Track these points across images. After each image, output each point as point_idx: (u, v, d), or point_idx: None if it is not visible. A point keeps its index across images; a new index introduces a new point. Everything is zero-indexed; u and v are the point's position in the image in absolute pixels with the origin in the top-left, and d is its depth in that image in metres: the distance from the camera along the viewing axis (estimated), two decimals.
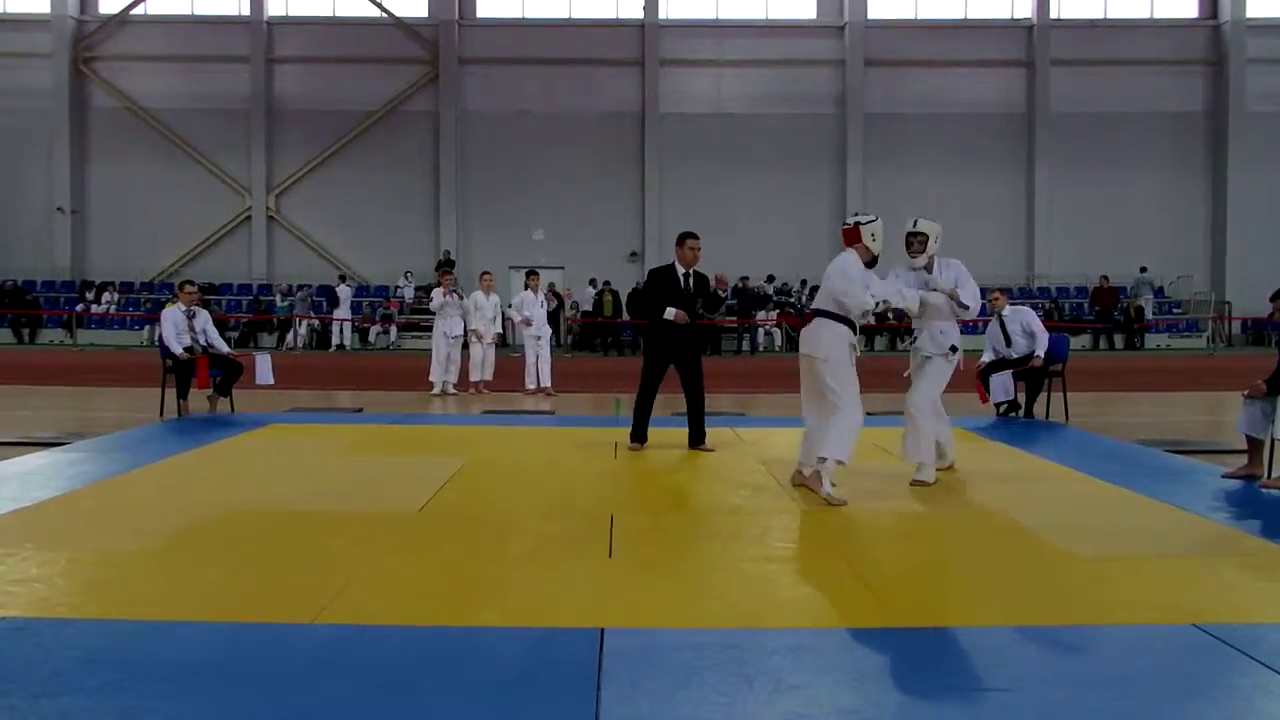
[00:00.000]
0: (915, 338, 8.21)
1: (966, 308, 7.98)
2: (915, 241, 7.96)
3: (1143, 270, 32.48)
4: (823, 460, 7.26)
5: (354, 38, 33.70)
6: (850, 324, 7.49)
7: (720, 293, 9.96)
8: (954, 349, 8.02)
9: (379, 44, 33.73)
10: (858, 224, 7.66)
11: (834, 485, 7.19)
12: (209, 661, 4.01)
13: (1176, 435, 11.05)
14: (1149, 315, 32.22)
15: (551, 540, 6.12)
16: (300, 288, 32.01)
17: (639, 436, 9.77)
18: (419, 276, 32.72)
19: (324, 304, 32.20)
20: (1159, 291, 33.32)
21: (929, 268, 8.03)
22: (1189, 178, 33.82)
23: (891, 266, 8.25)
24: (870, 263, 7.57)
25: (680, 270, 9.69)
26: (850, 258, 7.53)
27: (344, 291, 31.04)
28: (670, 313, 9.51)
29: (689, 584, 5.24)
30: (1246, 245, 32.86)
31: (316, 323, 31.52)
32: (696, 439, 9.75)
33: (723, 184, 32.84)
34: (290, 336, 31.10)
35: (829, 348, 7.47)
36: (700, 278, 9.79)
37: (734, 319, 30.85)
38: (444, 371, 15.88)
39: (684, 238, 9.78)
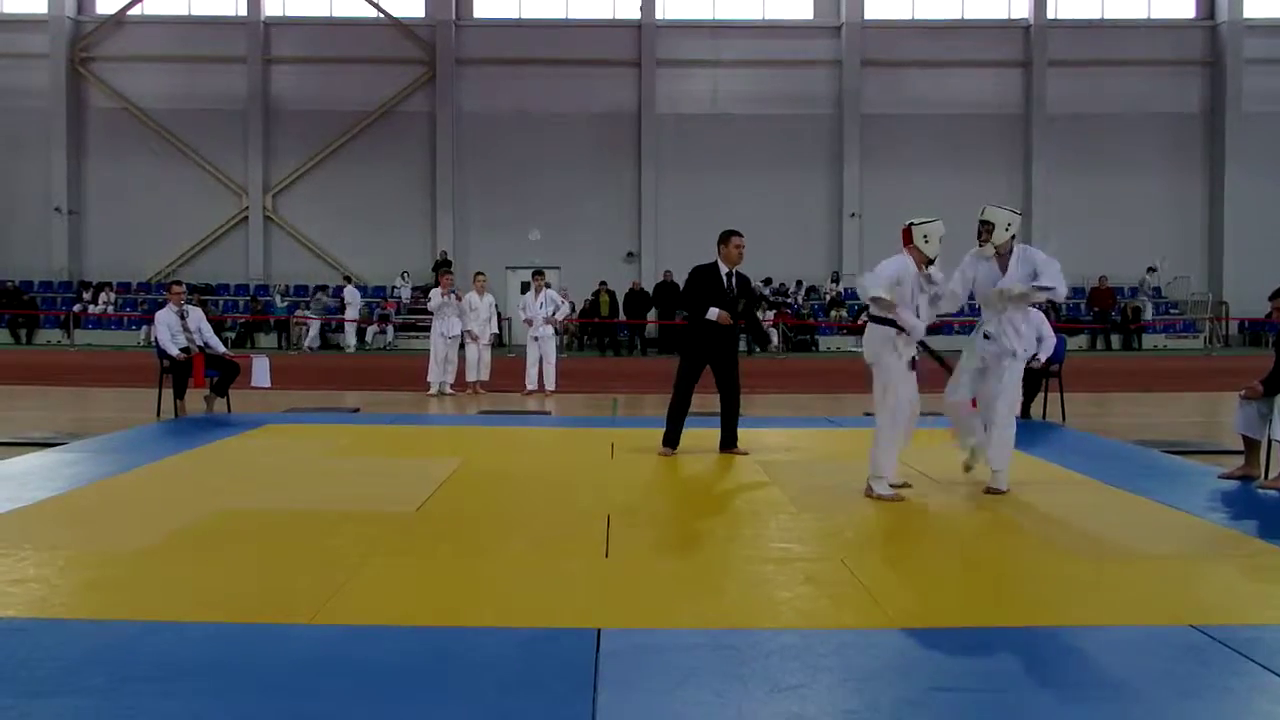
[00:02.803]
0: (986, 332, 7.58)
1: (1049, 289, 7.36)
2: (983, 230, 7.56)
3: (1150, 270, 32.53)
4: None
5: (351, 38, 33.66)
6: (894, 324, 7.34)
7: (760, 295, 9.82)
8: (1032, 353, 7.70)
9: (376, 44, 33.69)
10: (911, 225, 7.46)
11: (887, 484, 7.40)
12: (206, 661, 4.01)
13: (1173, 436, 11.06)
14: (1149, 315, 32.23)
15: (548, 540, 6.12)
16: (318, 289, 32.08)
17: (672, 441, 9.53)
18: (415, 277, 32.72)
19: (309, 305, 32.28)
20: (1155, 291, 33.35)
21: (1004, 257, 7.51)
22: (1186, 178, 33.80)
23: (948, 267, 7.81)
24: (927, 264, 7.42)
25: (724, 269, 9.49)
26: (895, 259, 7.41)
27: (350, 293, 31.04)
28: (713, 313, 9.33)
29: (685, 584, 5.24)
30: (1244, 246, 32.85)
31: (318, 324, 31.48)
32: (729, 442, 9.57)
33: (719, 184, 32.77)
34: (303, 336, 31.12)
35: (869, 347, 7.51)
36: (742, 278, 9.64)
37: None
38: (441, 372, 15.87)
39: (728, 235, 9.54)
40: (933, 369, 7.67)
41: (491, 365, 16.48)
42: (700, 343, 9.51)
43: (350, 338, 30.80)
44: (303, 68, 33.85)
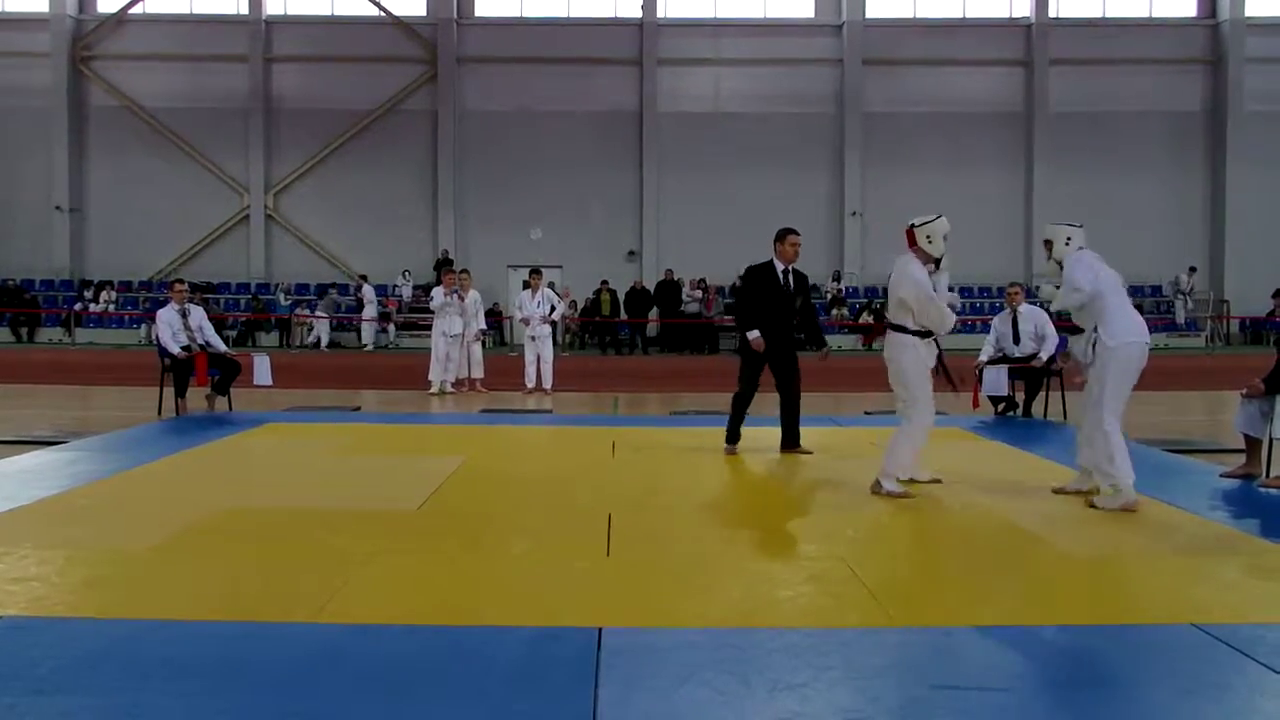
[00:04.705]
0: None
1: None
2: (1045, 247, 7.44)
3: (1191, 269, 32.65)
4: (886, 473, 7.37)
5: (352, 37, 33.66)
6: (916, 331, 7.29)
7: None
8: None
9: (377, 43, 33.69)
10: (912, 226, 7.36)
11: (896, 481, 7.33)
12: (208, 660, 4.01)
13: (1175, 434, 11.05)
14: (1180, 316, 32.23)
15: (550, 539, 6.12)
16: (328, 288, 32.21)
17: (733, 438, 9.50)
18: (417, 275, 32.73)
19: (315, 304, 32.38)
20: (1156, 290, 33.32)
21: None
22: (1187, 177, 33.80)
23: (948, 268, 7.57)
24: (935, 265, 7.32)
25: (779, 267, 9.46)
26: (910, 262, 7.31)
27: (368, 292, 31.09)
28: (753, 335, 9.35)
29: (687, 583, 5.23)
30: (1245, 245, 32.86)
31: (315, 324, 31.53)
32: (791, 441, 9.49)
33: (720, 183, 32.81)
34: (306, 334, 31.14)
35: (889, 350, 7.44)
36: (799, 275, 9.57)
37: (731, 318, 30.85)
38: (443, 371, 15.87)
39: (784, 234, 9.52)
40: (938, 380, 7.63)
41: (484, 363, 16.50)
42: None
43: (368, 336, 30.86)
44: (304, 66, 33.87)
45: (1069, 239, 7.34)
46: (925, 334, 7.37)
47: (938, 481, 7.54)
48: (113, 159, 33.59)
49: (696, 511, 7.18)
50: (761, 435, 10.18)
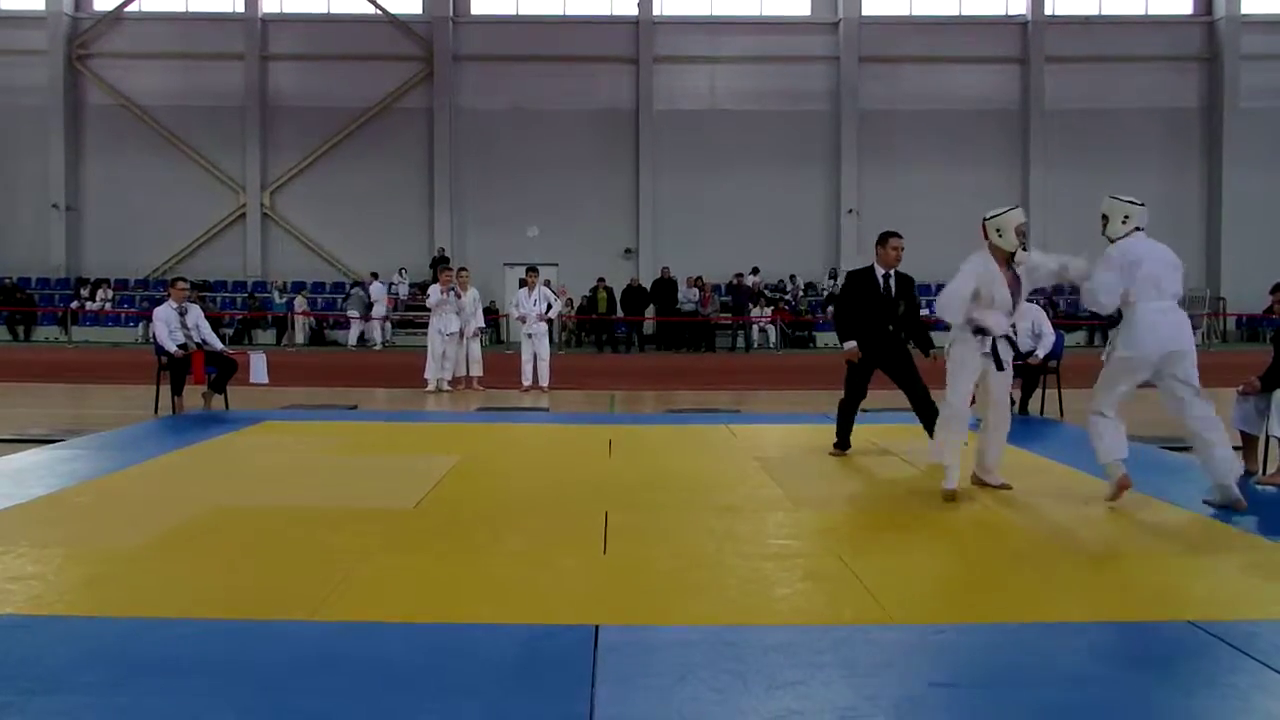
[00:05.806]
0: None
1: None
2: (1101, 222, 6.94)
3: None
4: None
5: (349, 35, 33.64)
6: (979, 329, 7.15)
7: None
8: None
9: (373, 41, 33.68)
10: (983, 220, 7.21)
11: (953, 475, 7.20)
12: (205, 659, 4.01)
13: (1171, 431, 11.00)
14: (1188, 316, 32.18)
15: (546, 537, 6.12)
16: (354, 285, 32.21)
17: (843, 444, 9.26)
18: (413, 273, 32.72)
19: (317, 301, 32.32)
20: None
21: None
22: (1183, 174, 33.83)
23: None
24: (1010, 259, 7.15)
25: (880, 272, 9.11)
26: (973, 259, 7.18)
27: (376, 290, 31.04)
28: (848, 346, 9.11)
29: (683, 581, 5.23)
30: (1241, 241, 32.91)
31: (351, 323, 31.44)
32: None
33: (717, 181, 32.84)
34: (349, 335, 31.12)
35: (950, 345, 7.34)
36: (903, 279, 9.20)
37: (728, 316, 30.91)
38: (439, 369, 15.87)
39: (885, 237, 9.16)
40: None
41: (483, 360, 16.50)
42: (861, 346, 9.16)
43: (376, 334, 30.83)
44: (301, 65, 33.86)
45: (1126, 217, 6.86)
46: (983, 331, 7.19)
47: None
48: (109, 157, 33.57)
49: (693, 509, 7.17)
50: (757, 433, 10.19)
